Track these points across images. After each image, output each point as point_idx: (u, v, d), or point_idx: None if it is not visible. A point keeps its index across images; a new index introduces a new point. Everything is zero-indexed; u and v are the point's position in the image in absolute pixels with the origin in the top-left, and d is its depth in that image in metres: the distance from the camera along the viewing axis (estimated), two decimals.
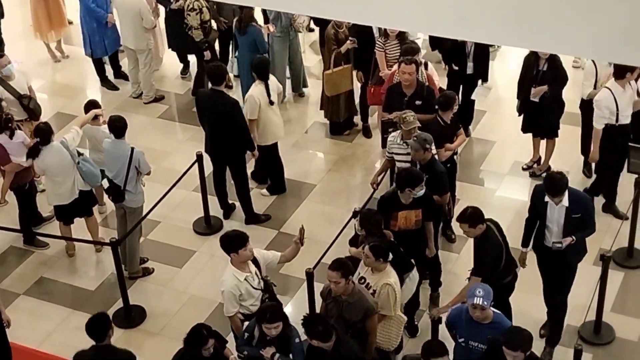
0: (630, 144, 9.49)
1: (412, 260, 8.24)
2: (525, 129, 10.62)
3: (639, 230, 9.37)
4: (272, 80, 10.09)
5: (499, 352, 6.77)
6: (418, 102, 9.59)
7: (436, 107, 9.37)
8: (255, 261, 7.78)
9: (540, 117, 10.29)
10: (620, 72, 9.36)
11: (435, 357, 6.71)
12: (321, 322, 7.00)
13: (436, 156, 8.91)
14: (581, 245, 8.21)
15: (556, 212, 7.95)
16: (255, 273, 7.73)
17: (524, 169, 10.87)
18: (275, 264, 8.03)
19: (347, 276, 7.30)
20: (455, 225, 9.85)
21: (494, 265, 7.86)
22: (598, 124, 9.50)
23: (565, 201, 7.88)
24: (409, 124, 8.89)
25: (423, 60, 10.20)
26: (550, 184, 7.90)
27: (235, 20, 11.36)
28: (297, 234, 8.00)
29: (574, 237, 7.96)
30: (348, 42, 10.93)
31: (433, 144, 8.75)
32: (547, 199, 7.93)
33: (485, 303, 6.99)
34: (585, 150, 10.37)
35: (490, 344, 7.02)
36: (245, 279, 7.65)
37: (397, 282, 7.66)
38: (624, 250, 9.46)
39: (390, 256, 7.60)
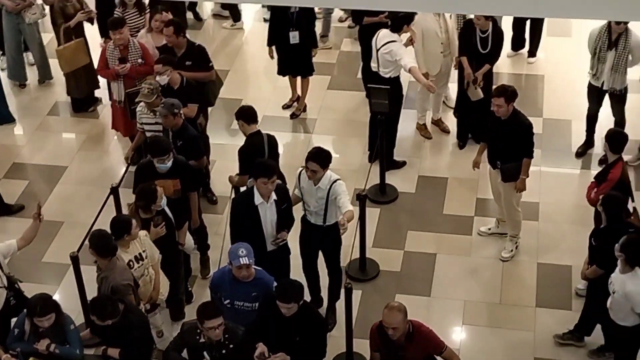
0: (369, 85, 9.91)
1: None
2: (281, 71, 11.04)
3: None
4: None
5: (271, 306, 6.95)
6: (188, 63, 9.65)
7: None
8: None
9: (294, 58, 10.76)
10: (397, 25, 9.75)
11: (209, 319, 6.77)
12: (109, 302, 6.94)
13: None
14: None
15: (269, 211, 7.78)
16: None
17: (284, 108, 11.27)
18: (16, 251, 7.74)
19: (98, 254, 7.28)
20: (213, 186, 9.95)
21: (250, 157, 8.20)
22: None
23: (273, 195, 7.77)
24: (142, 96, 8.85)
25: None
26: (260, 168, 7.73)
27: None
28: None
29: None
30: (79, 14, 10.67)
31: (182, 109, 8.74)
32: (257, 200, 7.72)
33: (251, 261, 7.10)
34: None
35: (261, 299, 7.18)
36: None
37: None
38: (377, 187, 9.91)
39: None
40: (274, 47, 10.87)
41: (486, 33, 9.85)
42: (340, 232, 7.79)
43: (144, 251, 7.67)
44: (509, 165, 8.76)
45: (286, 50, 10.76)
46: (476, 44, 9.89)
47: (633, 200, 8.11)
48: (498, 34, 9.96)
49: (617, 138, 8.28)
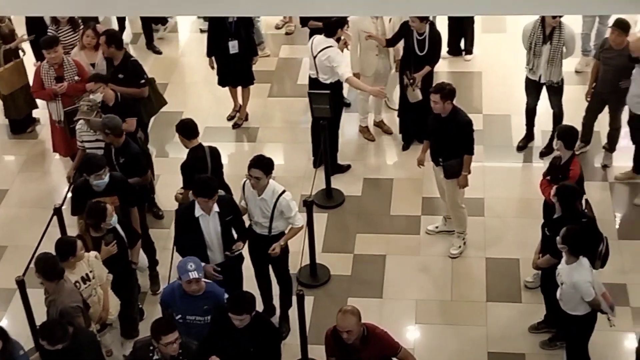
0: (309, 91, 9.91)
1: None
2: (221, 82, 10.95)
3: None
4: None
5: (224, 318, 6.92)
6: (121, 76, 9.57)
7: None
8: None
9: (234, 68, 10.70)
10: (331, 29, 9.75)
11: (165, 335, 6.72)
12: (58, 326, 6.84)
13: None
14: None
15: (211, 223, 7.80)
16: None
17: (228, 119, 11.21)
18: None
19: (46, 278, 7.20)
20: (159, 200, 9.87)
21: (193, 171, 8.16)
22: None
23: (215, 207, 7.77)
24: (82, 114, 8.76)
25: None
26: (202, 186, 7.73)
27: None
28: None
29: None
30: (23, 37, 10.62)
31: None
32: (198, 212, 7.74)
33: (200, 275, 7.09)
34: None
35: (213, 312, 7.16)
36: None
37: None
38: (323, 192, 9.92)
39: None
40: (213, 58, 10.82)
41: (423, 35, 9.90)
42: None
43: (90, 272, 7.58)
44: (451, 162, 8.84)
45: (226, 60, 10.70)
46: (413, 46, 9.95)
47: (584, 193, 8.21)
48: (435, 36, 10.01)
49: (570, 134, 8.35)
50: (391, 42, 10.23)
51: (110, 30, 10.00)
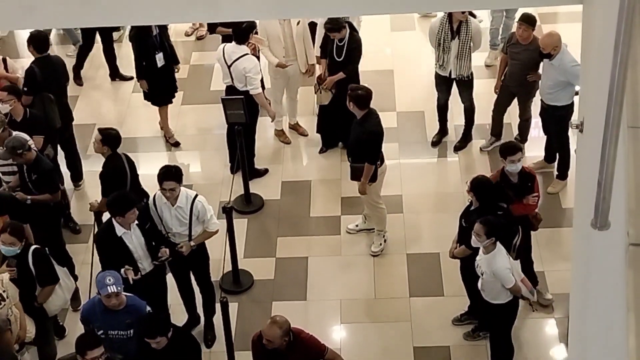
0: (222, 97, 9.86)
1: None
2: (158, 102, 10.67)
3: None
4: None
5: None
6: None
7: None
8: None
9: (162, 81, 10.46)
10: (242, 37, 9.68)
11: (91, 349, 6.63)
12: None
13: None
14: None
15: (134, 236, 7.71)
16: None
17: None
18: None
19: None
20: (75, 214, 9.70)
21: (113, 180, 8.20)
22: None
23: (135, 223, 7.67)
24: None
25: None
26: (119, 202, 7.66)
27: None
28: None
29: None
30: None
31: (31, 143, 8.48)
32: (120, 231, 7.64)
33: (119, 289, 7.00)
34: None
35: (136, 327, 7.09)
36: None
37: None
38: (242, 197, 9.89)
39: None
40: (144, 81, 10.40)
41: (342, 41, 9.92)
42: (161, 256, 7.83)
43: (4, 291, 7.40)
44: (357, 165, 8.85)
45: (155, 76, 10.34)
46: (332, 52, 9.97)
47: None
48: (353, 42, 9.98)
49: (518, 146, 8.42)
50: (322, 52, 10.27)
51: (34, 32, 9.61)
